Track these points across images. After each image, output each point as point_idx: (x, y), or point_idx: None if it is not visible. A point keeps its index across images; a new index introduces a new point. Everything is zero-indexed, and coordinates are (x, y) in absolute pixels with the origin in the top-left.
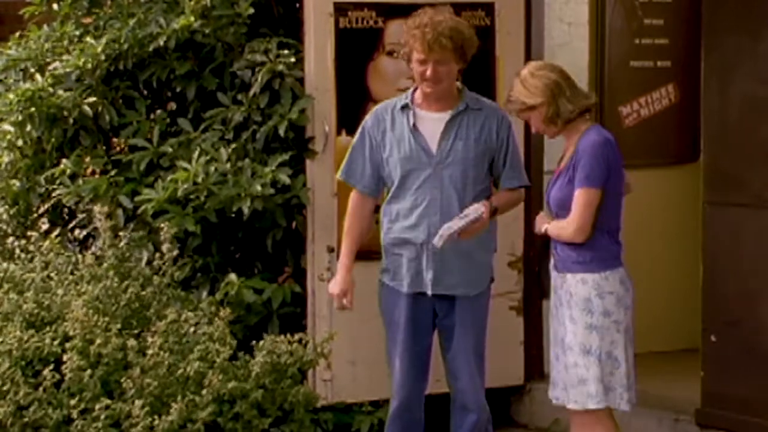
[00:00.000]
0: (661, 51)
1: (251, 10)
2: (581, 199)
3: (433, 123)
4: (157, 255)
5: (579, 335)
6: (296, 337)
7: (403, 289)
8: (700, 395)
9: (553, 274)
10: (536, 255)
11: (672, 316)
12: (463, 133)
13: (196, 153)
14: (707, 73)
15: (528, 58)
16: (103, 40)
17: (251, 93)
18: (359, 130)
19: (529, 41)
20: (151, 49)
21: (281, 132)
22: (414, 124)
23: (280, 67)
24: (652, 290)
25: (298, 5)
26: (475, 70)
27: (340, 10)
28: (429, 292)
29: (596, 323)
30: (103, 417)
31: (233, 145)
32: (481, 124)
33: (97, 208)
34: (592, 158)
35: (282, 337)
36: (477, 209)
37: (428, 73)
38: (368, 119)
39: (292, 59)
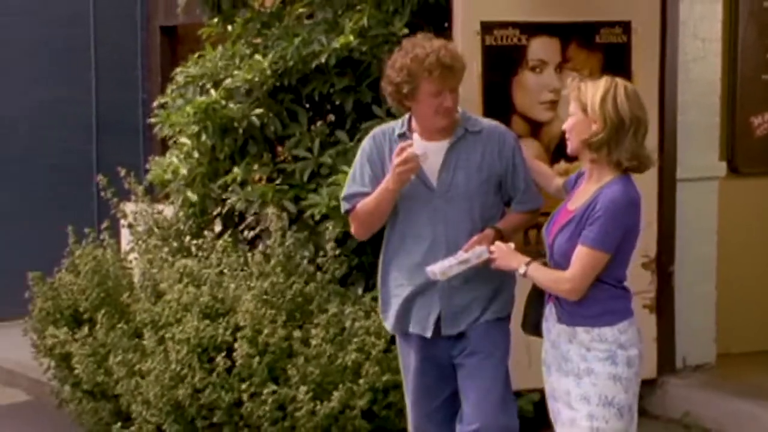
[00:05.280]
0: None
1: (405, 30)
2: (586, 259)
3: (432, 154)
4: (320, 253)
5: (600, 386)
6: None
7: (409, 330)
8: None
9: (556, 326)
10: (669, 257)
11: None
12: (464, 162)
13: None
14: None
15: (662, 73)
16: (270, 57)
17: None
18: (358, 158)
19: (664, 57)
20: (313, 65)
21: None
22: None
23: None
24: None
25: (447, 25)
26: None
27: (486, 29)
28: (428, 334)
29: (621, 374)
30: (270, 401)
31: None
32: (482, 149)
33: (270, 209)
34: (609, 220)
35: None
36: (480, 254)
37: (447, 103)
38: (366, 146)
39: None
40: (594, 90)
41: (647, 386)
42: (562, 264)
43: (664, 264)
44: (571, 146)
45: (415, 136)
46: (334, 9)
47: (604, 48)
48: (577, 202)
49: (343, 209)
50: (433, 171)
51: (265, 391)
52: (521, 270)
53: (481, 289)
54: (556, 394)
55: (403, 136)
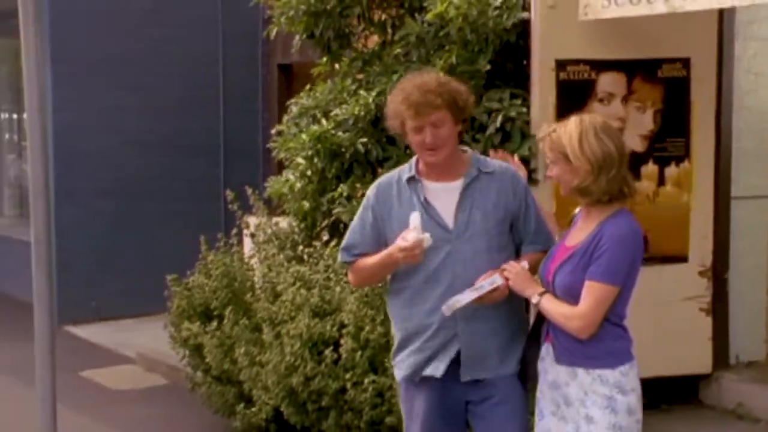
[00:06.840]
0: None
1: (488, 67)
2: (597, 293)
3: (445, 194)
4: None
5: None
6: None
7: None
8: None
9: (554, 367)
10: (723, 266)
11: None
12: (480, 202)
13: None
14: None
15: (719, 103)
16: (374, 93)
17: (487, 133)
18: (361, 208)
19: (720, 89)
20: None
21: None
22: (425, 198)
23: (513, 113)
24: None
25: (525, 62)
26: (674, 115)
27: (560, 65)
28: (439, 374)
29: (621, 423)
30: (370, 389)
31: None
32: (497, 188)
33: None
34: (618, 252)
35: None
36: (493, 280)
37: (428, 139)
38: (370, 195)
39: (524, 109)
40: (568, 138)
41: (704, 380)
42: (565, 300)
43: (719, 272)
44: (563, 191)
45: (425, 182)
46: (426, 49)
47: (666, 81)
48: (576, 238)
49: (340, 259)
50: (448, 212)
51: (366, 380)
52: (534, 299)
53: (500, 333)
54: None
55: (412, 180)
